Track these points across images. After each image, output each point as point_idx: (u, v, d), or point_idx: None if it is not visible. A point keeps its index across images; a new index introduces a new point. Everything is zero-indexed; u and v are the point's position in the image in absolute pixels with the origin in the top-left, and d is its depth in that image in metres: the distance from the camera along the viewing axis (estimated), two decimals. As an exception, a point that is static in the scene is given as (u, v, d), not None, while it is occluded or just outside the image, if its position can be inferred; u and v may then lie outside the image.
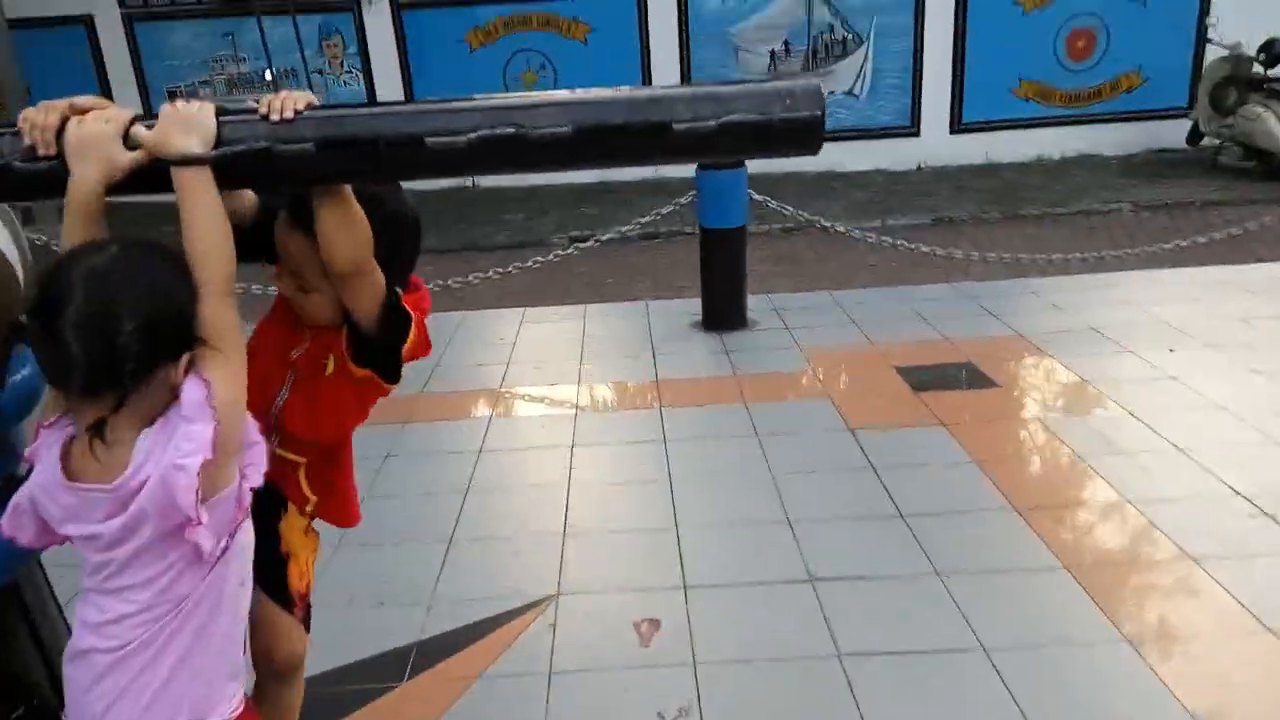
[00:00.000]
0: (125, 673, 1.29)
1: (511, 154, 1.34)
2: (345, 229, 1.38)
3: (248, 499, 1.33)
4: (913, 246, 5.94)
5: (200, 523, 1.22)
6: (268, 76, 11.62)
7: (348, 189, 1.38)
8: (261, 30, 10.71)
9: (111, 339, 1.18)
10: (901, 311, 5.28)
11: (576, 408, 4.31)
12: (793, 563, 2.96)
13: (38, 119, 1.28)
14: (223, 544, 1.30)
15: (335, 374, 1.64)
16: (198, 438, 1.22)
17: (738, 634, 2.66)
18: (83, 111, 1.29)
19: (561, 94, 1.35)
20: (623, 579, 2.96)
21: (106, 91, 11.76)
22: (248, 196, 1.56)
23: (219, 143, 1.25)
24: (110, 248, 1.24)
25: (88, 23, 11.73)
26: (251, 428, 1.36)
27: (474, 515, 3.37)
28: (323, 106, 1.32)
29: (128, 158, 1.26)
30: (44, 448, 1.28)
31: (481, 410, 4.34)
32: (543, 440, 4.00)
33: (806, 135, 1.37)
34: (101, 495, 1.23)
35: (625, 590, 2.89)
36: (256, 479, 1.34)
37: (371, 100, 11.99)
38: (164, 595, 1.28)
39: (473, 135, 1.29)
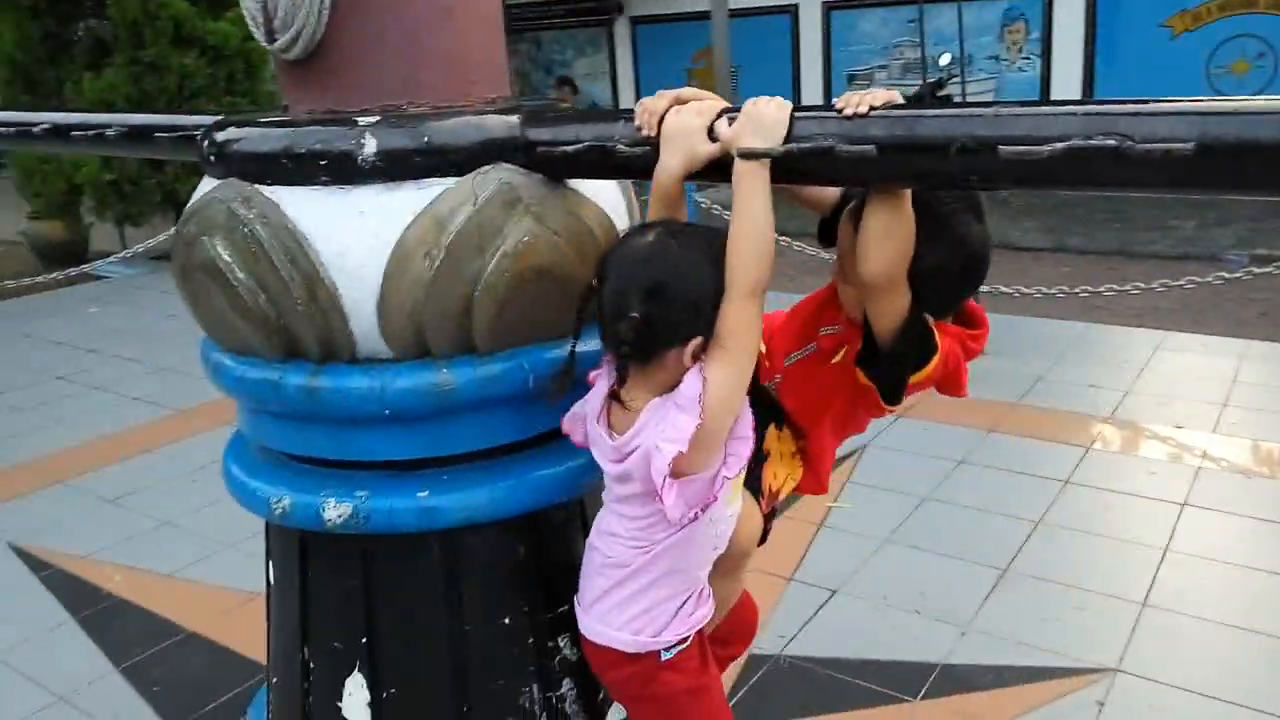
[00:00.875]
0: (608, 578, 1.53)
1: (1105, 172, 1.13)
2: (885, 237, 1.30)
3: (721, 485, 1.39)
4: None
5: (666, 497, 1.32)
6: (942, 61, 11.74)
7: (906, 198, 1.30)
8: (960, 15, 10.74)
9: (621, 318, 1.33)
10: None
11: (1202, 460, 3.65)
12: None
13: (650, 105, 1.43)
14: (692, 513, 1.39)
15: (839, 367, 1.57)
16: (682, 429, 1.28)
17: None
18: (684, 102, 1.41)
19: (1185, 101, 1.10)
20: (1209, 681, 2.44)
21: (797, 74, 13.01)
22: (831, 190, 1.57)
23: (788, 139, 1.26)
24: (650, 233, 1.36)
25: (793, 12, 13.01)
26: (744, 423, 1.39)
27: (1038, 551, 3.07)
28: (904, 106, 1.26)
29: (706, 150, 1.35)
30: (602, 377, 1.50)
31: (1079, 437, 3.91)
32: (1147, 489, 3.47)
33: None
34: (609, 444, 1.42)
35: (1213, 696, 2.38)
36: (734, 469, 1.39)
37: (1045, 90, 11.42)
38: (642, 533, 1.45)
39: (1058, 146, 1.12)
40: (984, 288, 4.64)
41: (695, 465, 1.35)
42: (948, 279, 1.44)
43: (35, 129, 2.37)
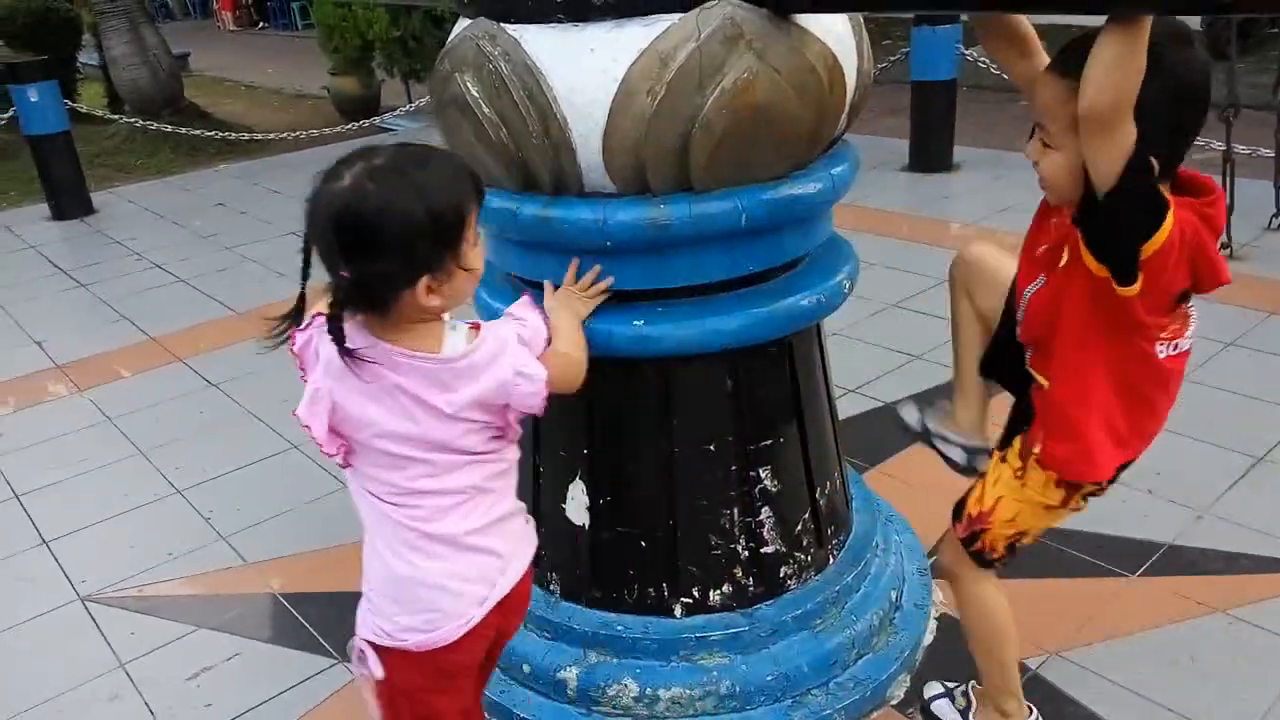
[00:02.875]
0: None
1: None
2: (1117, 68, 1.21)
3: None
4: None
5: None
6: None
7: (1146, 25, 1.19)
8: None
9: (336, 278, 1.28)
10: None
11: None
12: None
13: None
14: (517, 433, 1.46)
15: (1068, 267, 1.45)
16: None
17: None
18: None
19: None
20: None
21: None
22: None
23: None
24: (346, 176, 1.27)
25: None
26: None
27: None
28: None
29: None
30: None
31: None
32: None
33: None
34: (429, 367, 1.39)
35: None
36: None
37: None
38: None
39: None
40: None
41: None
42: (1170, 116, 1.33)
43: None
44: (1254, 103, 7.31)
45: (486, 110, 1.68)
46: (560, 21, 1.61)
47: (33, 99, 5.89)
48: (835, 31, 1.69)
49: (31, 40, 9.79)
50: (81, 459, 3.25)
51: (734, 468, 1.89)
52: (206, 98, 10.71)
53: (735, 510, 1.91)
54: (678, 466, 1.88)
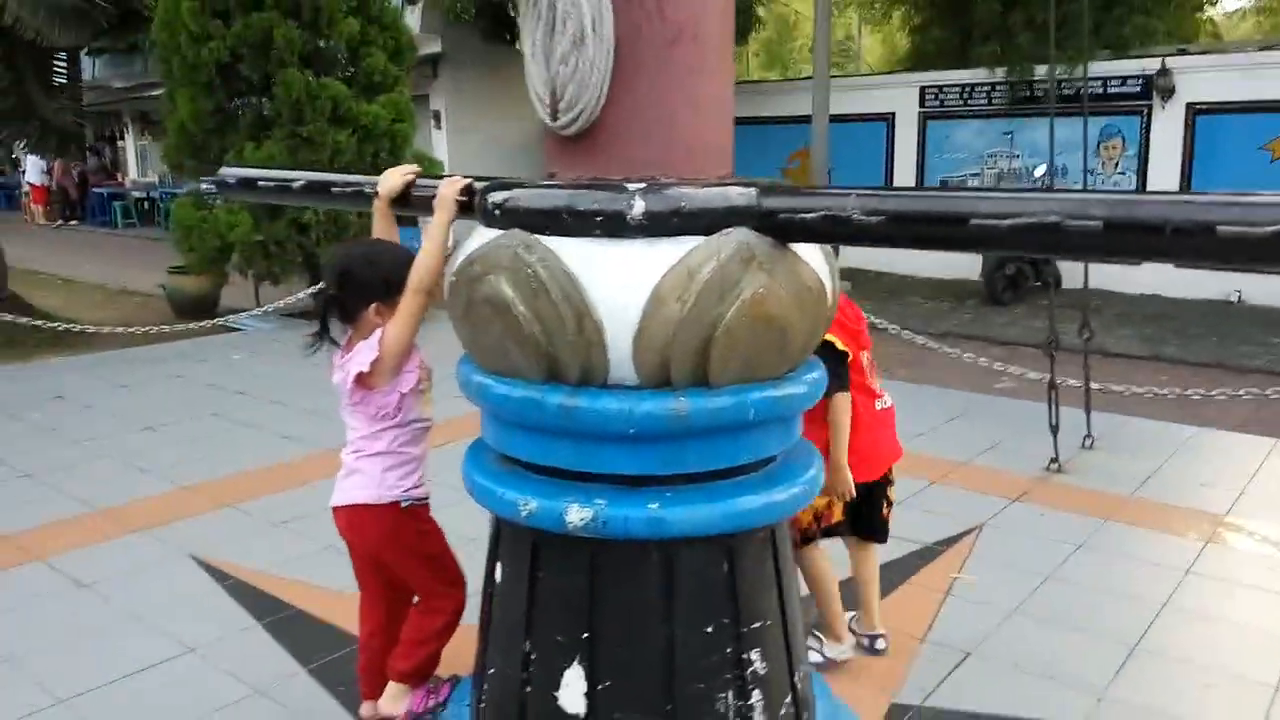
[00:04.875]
0: (351, 461, 2.47)
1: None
2: None
3: (401, 399, 2.41)
4: None
5: (353, 397, 2.39)
6: (1037, 173, 12.00)
7: None
8: (1051, 131, 11.06)
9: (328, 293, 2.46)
10: None
11: (1321, 562, 3.70)
12: None
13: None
14: (383, 413, 2.38)
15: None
16: (366, 358, 2.31)
17: None
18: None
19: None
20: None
21: (890, 177, 13.38)
22: None
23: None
24: (349, 245, 2.67)
25: (890, 120, 13.46)
26: (412, 361, 2.37)
27: (1166, 630, 3.16)
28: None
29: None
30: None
31: (1196, 530, 3.98)
32: (1272, 583, 3.54)
33: None
34: (335, 368, 2.51)
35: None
36: (407, 386, 2.38)
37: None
38: (364, 426, 2.44)
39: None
40: (1093, 384, 4.76)
41: (380, 381, 2.34)
42: None
43: (293, 184, 2.78)
44: (1033, 341, 8.46)
45: (522, 309, 1.83)
46: (597, 237, 1.82)
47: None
48: (815, 256, 1.99)
49: None
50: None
51: (729, 650, 1.98)
52: (21, 290, 10.15)
53: (730, 693, 1.98)
54: (679, 650, 1.95)
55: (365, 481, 2.41)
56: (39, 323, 7.61)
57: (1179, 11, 14.75)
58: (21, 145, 10.16)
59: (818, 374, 2.06)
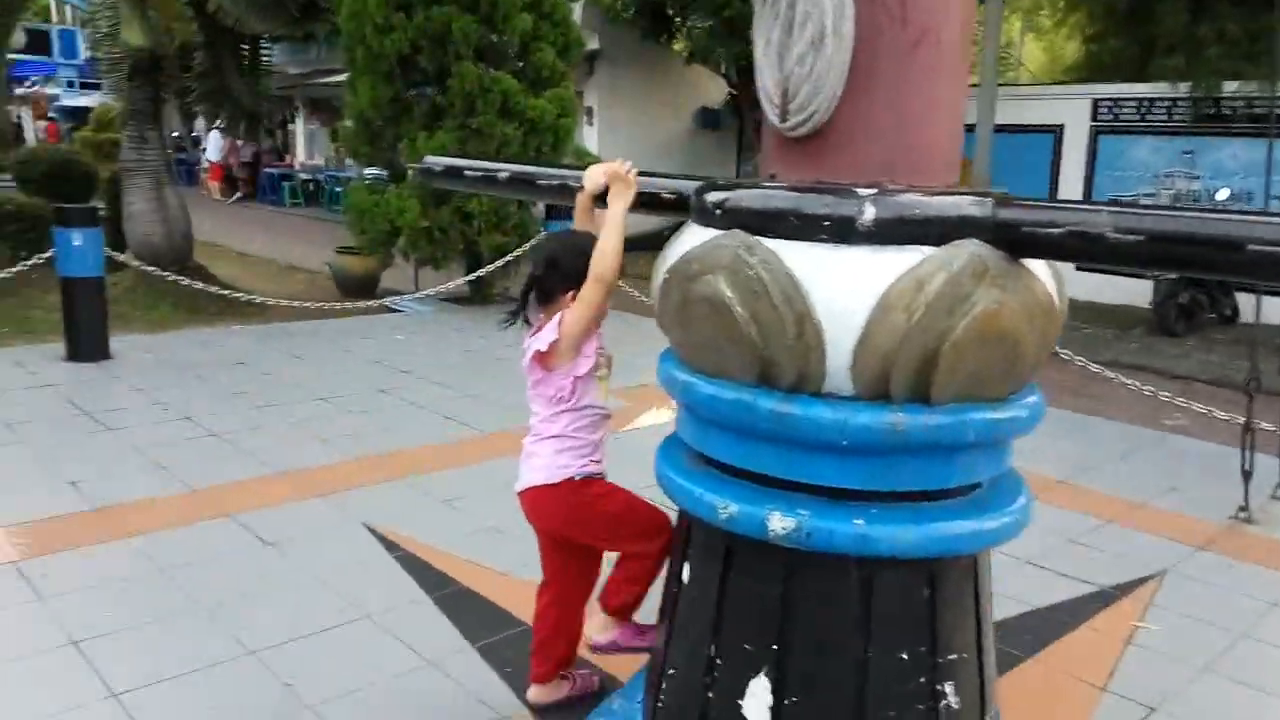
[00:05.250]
0: (532, 442, 2.50)
1: None
2: None
3: (574, 381, 2.42)
4: None
5: (533, 374, 2.44)
6: (1219, 196, 11.25)
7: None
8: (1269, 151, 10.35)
9: (533, 275, 2.50)
10: None
11: None
12: None
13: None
14: (559, 395, 2.41)
15: None
16: (547, 337, 2.36)
17: None
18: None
19: None
20: None
21: (1054, 192, 12.79)
22: None
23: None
24: (556, 236, 2.58)
25: (1057, 132, 12.87)
26: (589, 345, 2.39)
27: None
28: None
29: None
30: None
31: None
32: None
33: None
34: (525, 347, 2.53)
35: None
36: (583, 370, 2.40)
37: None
38: (543, 409, 2.47)
39: None
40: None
41: (558, 362, 2.39)
42: None
43: (499, 175, 2.85)
44: (1206, 376, 7.93)
45: (740, 310, 1.81)
46: (822, 241, 1.78)
47: (76, 243, 5.95)
48: (1046, 272, 1.89)
49: (48, 187, 9.94)
50: (144, 608, 3.09)
51: (923, 680, 1.91)
52: (204, 260, 10.85)
53: (921, 723, 1.92)
54: (871, 674, 1.89)
55: (541, 465, 2.46)
56: (225, 292, 8.10)
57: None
58: (218, 122, 10.83)
59: (1037, 398, 1.96)
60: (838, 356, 1.77)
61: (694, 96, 15.46)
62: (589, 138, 14.11)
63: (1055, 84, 17.20)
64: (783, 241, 1.81)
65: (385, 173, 8.67)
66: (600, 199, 2.43)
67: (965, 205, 1.78)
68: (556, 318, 2.38)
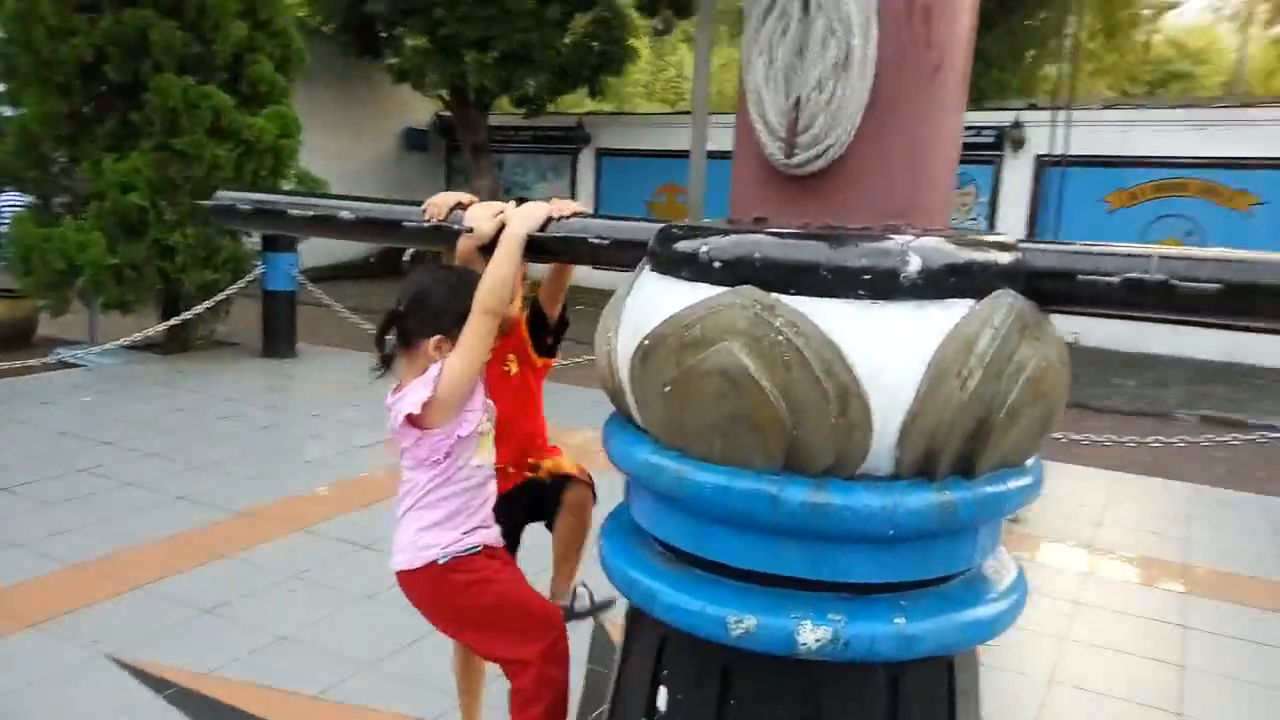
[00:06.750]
0: (401, 509, 2.11)
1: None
2: None
3: (457, 440, 2.02)
4: None
5: (404, 440, 2.03)
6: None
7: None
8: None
9: (393, 314, 2.06)
10: None
11: None
12: None
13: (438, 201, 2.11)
14: (434, 458, 2.01)
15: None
16: (419, 397, 1.95)
17: None
18: (462, 205, 2.09)
19: None
20: None
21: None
22: None
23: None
24: (428, 270, 2.11)
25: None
26: (475, 399, 2.02)
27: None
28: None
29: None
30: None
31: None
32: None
33: None
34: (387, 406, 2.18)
35: None
36: (466, 430, 2.02)
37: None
38: (412, 474, 2.08)
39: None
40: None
41: (438, 420, 1.99)
42: None
43: (340, 215, 2.28)
44: None
45: (765, 384, 1.49)
46: (859, 298, 1.50)
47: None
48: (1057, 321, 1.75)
49: None
50: None
51: (957, 781, 1.69)
52: None
53: (965, 835, 1.69)
54: (910, 786, 1.64)
55: (404, 543, 2.10)
56: None
57: (1029, 69, 15.86)
58: None
59: (1035, 459, 1.81)
60: (886, 435, 1.50)
61: (400, 117, 14.71)
62: (284, 159, 12.92)
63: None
64: (810, 299, 1.51)
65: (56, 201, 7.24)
66: (488, 249, 2.00)
67: (1001, 253, 1.58)
68: (431, 371, 1.97)
